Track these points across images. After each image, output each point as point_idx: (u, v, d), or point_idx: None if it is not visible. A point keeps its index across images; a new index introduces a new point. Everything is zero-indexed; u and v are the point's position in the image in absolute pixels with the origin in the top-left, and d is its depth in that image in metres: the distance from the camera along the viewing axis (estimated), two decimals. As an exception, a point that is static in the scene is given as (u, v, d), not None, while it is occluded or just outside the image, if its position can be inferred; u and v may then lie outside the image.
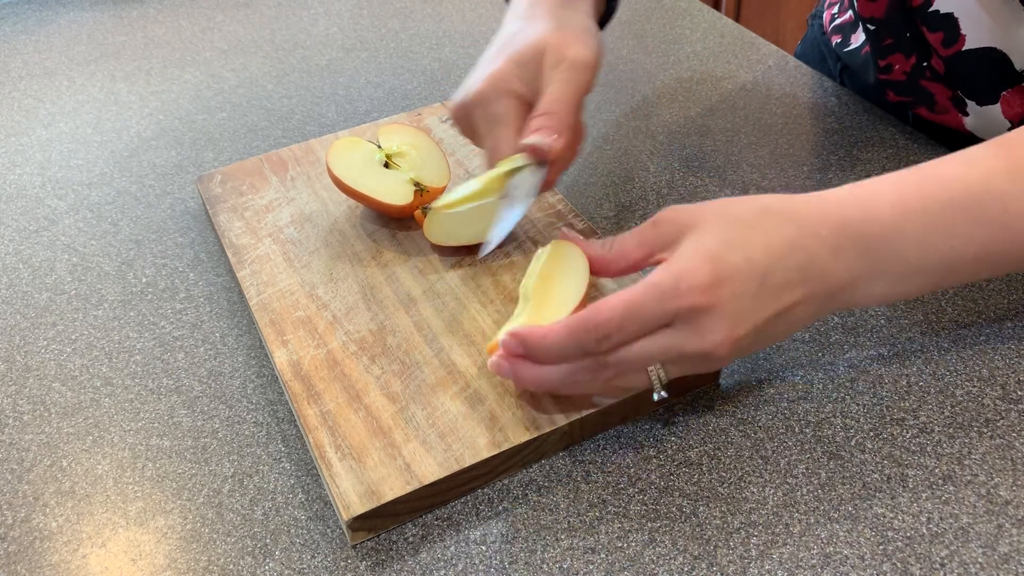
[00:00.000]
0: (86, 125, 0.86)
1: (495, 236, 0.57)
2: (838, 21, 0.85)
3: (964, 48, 0.67)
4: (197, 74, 0.94)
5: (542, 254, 0.54)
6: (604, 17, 0.69)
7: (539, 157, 0.56)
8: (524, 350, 0.47)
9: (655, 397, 0.48)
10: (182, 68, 0.95)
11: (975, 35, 0.66)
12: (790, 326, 0.48)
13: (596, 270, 0.51)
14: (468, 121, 0.60)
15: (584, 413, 0.50)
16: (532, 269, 0.54)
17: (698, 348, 0.45)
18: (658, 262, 0.47)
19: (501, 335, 0.48)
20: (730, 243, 0.46)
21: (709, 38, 0.93)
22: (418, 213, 0.59)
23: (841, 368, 0.55)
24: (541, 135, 0.55)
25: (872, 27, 0.74)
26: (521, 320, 0.51)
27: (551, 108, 0.56)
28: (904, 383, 0.54)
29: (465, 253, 0.61)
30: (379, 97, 0.87)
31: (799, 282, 0.46)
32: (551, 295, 0.52)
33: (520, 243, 0.63)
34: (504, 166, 0.57)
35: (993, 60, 0.66)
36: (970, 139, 0.72)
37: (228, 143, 0.82)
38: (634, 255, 0.49)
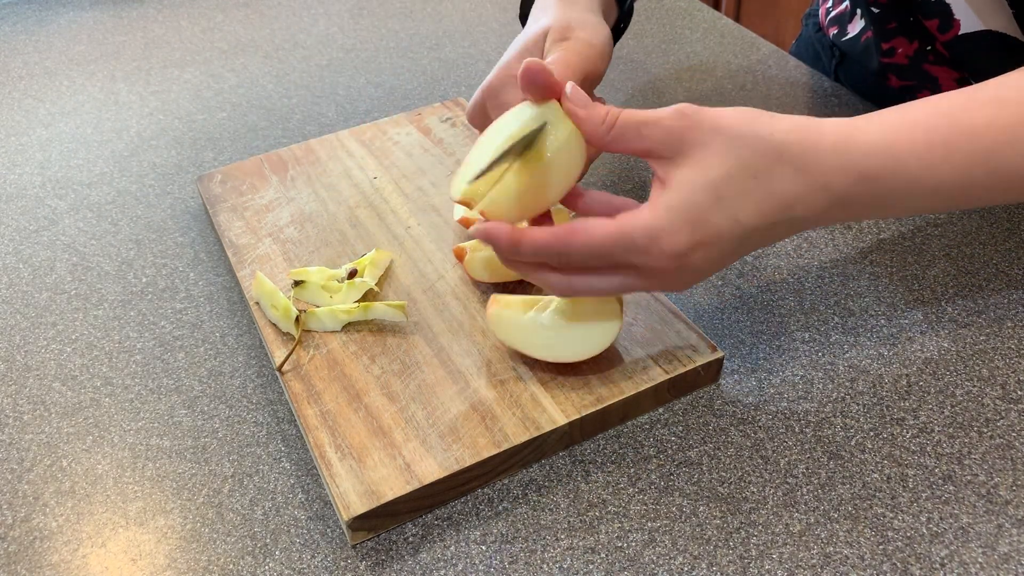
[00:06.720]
0: (86, 125, 0.86)
1: None
2: (833, 13, 0.86)
3: (961, 32, 0.67)
4: (197, 74, 0.94)
5: (525, 115, 0.46)
6: (618, 23, 0.68)
7: (532, 83, 0.45)
8: (492, 247, 0.46)
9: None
10: (182, 68, 0.95)
11: (968, 21, 0.66)
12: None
13: (588, 142, 0.47)
14: (483, 118, 0.59)
15: (584, 413, 0.50)
16: (512, 131, 0.46)
17: (656, 289, 0.48)
18: (653, 157, 0.45)
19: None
20: (723, 199, 0.43)
21: (709, 38, 0.93)
22: (458, 250, 0.59)
23: (841, 368, 0.55)
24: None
25: (876, 10, 0.75)
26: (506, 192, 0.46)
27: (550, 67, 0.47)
28: (904, 383, 0.54)
29: (502, 289, 0.59)
30: (379, 97, 0.87)
31: (779, 234, 0.46)
32: (547, 177, 0.46)
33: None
34: (509, 121, 0.48)
35: (993, 40, 0.66)
36: None
37: (228, 143, 0.82)
38: (632, 145, 0.45)
